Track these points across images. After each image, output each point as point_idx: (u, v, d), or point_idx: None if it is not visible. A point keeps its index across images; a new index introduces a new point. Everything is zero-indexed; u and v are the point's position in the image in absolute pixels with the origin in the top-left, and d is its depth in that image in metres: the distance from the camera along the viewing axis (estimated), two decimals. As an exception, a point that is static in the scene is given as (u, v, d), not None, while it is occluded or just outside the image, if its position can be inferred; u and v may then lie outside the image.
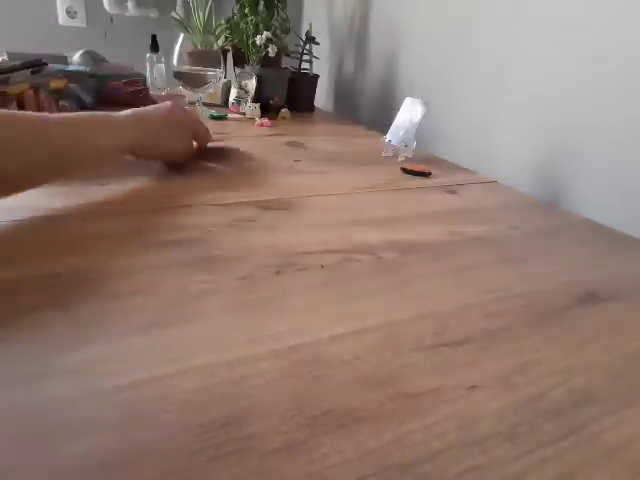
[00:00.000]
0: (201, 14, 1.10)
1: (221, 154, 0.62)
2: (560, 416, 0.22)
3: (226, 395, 0.21)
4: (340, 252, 0.36)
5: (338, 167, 0.62)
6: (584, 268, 0.38)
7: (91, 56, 1.01)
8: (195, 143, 0.57)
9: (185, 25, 1.13)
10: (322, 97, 1.27)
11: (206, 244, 0.36)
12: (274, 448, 0.19)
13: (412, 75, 0.91)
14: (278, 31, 1.00)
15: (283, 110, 0.96)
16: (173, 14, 1.24)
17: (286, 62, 1.06)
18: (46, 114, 0.40)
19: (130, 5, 1.27)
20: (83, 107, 0.82)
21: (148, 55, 1.15)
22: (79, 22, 1.32)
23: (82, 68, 0.91)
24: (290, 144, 0.73)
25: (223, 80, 0.99)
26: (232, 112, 0.97)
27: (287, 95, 1.02)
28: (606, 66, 0.54)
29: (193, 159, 0.57)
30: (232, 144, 0.68)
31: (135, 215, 0.40)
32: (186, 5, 1.22)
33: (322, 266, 0.34)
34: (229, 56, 1.12)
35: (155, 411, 0.20)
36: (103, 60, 1.04)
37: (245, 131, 0.81)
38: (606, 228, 0.47)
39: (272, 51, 0.95)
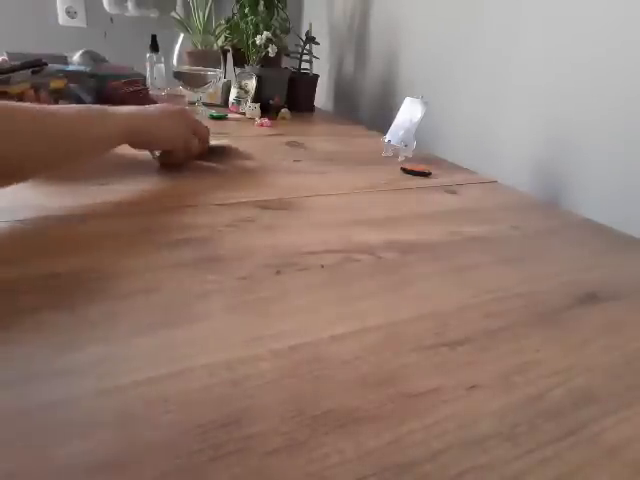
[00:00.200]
0: (201, 14, 1.10)
1: (221, 154, 0.62)
2: (560, 416, 0.22)
3: (226, 395, 0.21)
4: (340, 252, 0.36)
5: (338, 167, 0.62)
6: (584, 268, 0.38)
7: (91, 56, 1.01)
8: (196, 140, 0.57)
9: (185, 25, 1.13)
10: (322, 97, 1.27)
11: (206, 244, 0.36)
12: (274, 448, 0.19)
13: (412, 74, 0.91)
14: (278, 31, 1.00)
15: (283, 110, 0.96)
16: (173, 14, 1.24)
17: (286, 62, 1.06)
18: (44, 106, 0.41)
19: (130, 5, 1.27)
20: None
21: (148, 55, 1.15)
22: (79, 22, 1.32)
23: (82, 68, 0.91)
24: (290, 144, 0.73)
25: (223, 80, 0.99)
26: (232, 112, 0.97)
27: (287, 95, 1.02)
28: (606, 64, 0.54)
29: (193, 159, 0.57)
30: (231, 143, 0.68)
31: (136, 215, 0.40)
32: (186, 5, 1.22)
33: (322, 266, 0.34)
34: (229, 56, 1.12)
35: (155, 411, 0.20)
36: (103, 60, 1.03)
37: (245, 131, 0.81)
38: (606, 228, 0.47)
39: (272, 51, 0.95)
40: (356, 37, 1.11)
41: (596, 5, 0.54)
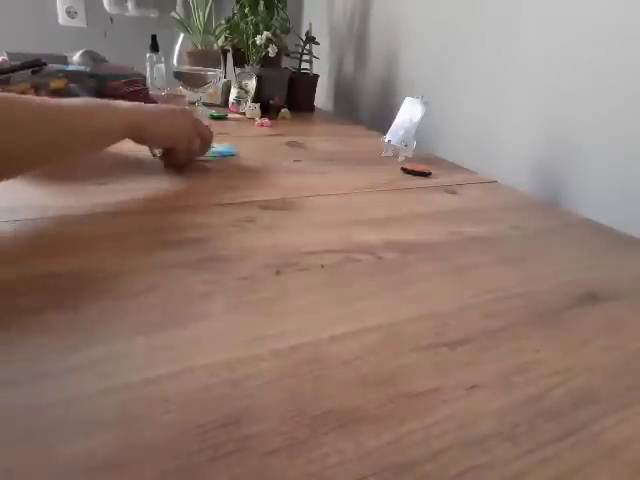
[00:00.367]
0: (201, 14, 1.10)
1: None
2: (560, 416, 0.22)
3: (226, 395, 0.21)
4: (340, 252, 0.36)
5: (338, 167, 0.62)
6: (584, 268, 0.38)
7: (91, 56, 1.01)
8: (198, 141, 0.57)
9: (185, 25, 1.13)
10: (322, 97, 1.27)
11: (207, 244, 0.36)
12: (274, 448, 0.19)
13: (412, 74, 0.91)
14: (278, 31, 1.00)
15: (283, 110, 0.96)
16: (173, 14, 1.24)
17: (286, 62, 1.06)
18: (46, 98, 0.41)
19: (130, 5, 1.27)
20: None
21: (148, 55, 1.15)
22: (79, 22, 1.32)
23: (82, 68, 0.91)
24: (290, 144, 0.73)
25: (223, 80, 0.99)
26: (232, 112, 0.97)
27: (287, 95, 1.02)
28: (606, 64, 0.54)
29: (195, 159, 0.57)
30: (231, 143, 0.68)
31: (136, 215, 0.40)
32: (186, 5, 1.22)
33: (322, 266, 0.34)
34: (229, 56, 1.12)
35: (156, 411, 0.20)
36: (103, 60, 1.03)
37: (245, 131, 0.81)
38: (606, 228, 0.47)
39: (272, 51, 0.95)
40: (356, 37, 1.11)
41: (596, 5, 0.54)
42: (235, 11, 1.03)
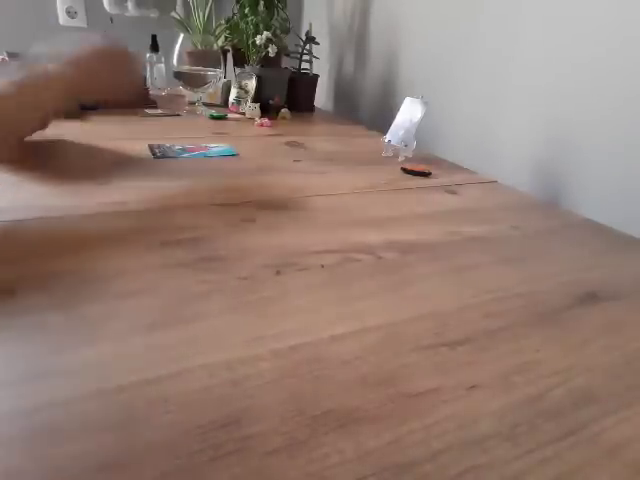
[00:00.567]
0: (201, 14, 1.10)
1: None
2: (560, 416, 0.22)
3: (226, 395, 0.21)
4: (340, 252, 0.36)
5: (338, 167, 0.62)
6: (584, 268, 0.38)
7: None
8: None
9: (185, 25, 1.13)
10: (322, 97, 1.27)
11: (207, 244, 0.36)
12: (274, 448, 0.19)
13: (412, 74, 0.91)
14: (278, 31, 1.00)
15: (283, 110, 0.96)
16: (173, 14, 1.24)
17: (286, 62, 1.06)
18: None
19: (130, 5, 1.26)
20: (83, 106, 0.82)
21: (148, 55, 1.15)
22: (79, 22, 1.32)
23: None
24: (290, 144, 0.73)
25: (223, 80, 0.99)
26: (232, 112, 0.97)
27: (287, 95, 1.02)
28: (606, 64, 0.54)
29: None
30: (231, 143, 0.68)
31: (135, 215, 0.40)
32: (186, 5, 1.22)
33: (322, 266, 0.34)
34: (229, 56, 1.12)
35: (155, 411, 0.20)
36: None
37: (245, 131, 0.81)
38: (606, 228, 0.47)
39: (272, 51, 0.95)
40: (356, 37, 1.11)
41: (596, 5, 0.54)
42: (235, 11, 1.03)
